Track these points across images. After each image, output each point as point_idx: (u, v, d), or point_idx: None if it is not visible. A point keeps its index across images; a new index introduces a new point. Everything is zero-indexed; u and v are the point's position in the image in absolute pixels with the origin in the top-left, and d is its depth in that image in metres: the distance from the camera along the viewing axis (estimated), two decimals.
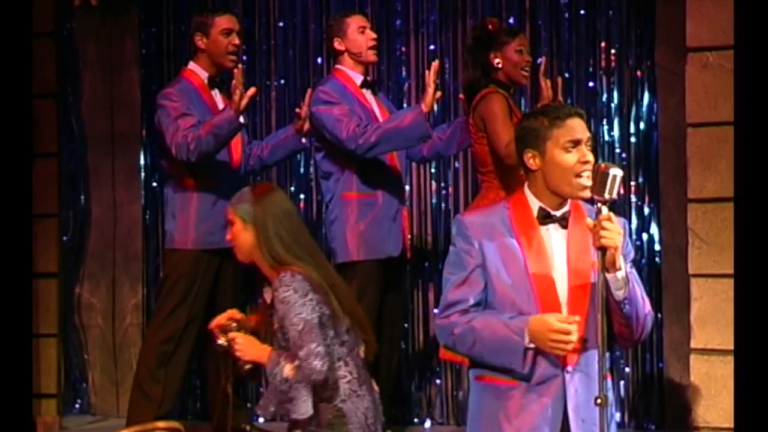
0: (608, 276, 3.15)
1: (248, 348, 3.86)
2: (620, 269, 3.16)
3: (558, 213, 3.33)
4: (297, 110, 5.37)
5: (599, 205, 3.15)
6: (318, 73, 6.08)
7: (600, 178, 3.14)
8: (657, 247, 5.69)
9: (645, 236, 5.69)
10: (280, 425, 6.05)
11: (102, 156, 6.44)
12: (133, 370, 5.68)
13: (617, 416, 5.40)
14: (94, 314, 6.45)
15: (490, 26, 5.13)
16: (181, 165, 5.20)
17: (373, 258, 5.10)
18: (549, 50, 5.79)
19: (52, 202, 6.15)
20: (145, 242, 6.38)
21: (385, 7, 6.06)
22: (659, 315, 5.53)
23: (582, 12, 5.81)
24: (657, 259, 5.68)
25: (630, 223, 5.51)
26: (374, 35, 5.28)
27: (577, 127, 3.30)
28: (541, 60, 5.26)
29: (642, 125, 5.73)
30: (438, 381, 6.00)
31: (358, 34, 5.22)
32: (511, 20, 5.86)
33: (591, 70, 5.80)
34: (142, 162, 6.38)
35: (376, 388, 3.96)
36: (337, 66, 5.28)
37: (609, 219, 3.13)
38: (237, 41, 5.36)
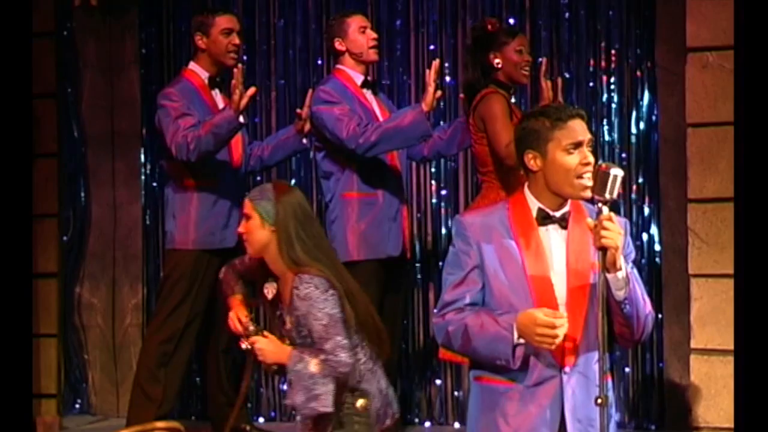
0: (609, 276, 3.15)
1: (269, 351, 3.91)
2: (621, 269, 3.16)
3: (557, 214, 3.33)
4: (298, 111, 5.37)
5: (600, 205, 3.14)
6: (318, 73, 6.08)
7: (600, 179, 3.14)
8: (657, 247, 5.69)
9: (645, 236, 5.70)
10: (279, 425, 6.08)
11: (102, 156, 6.44)
12: (133, 370, 5.68)
13: (617, 416, 5.40)
14: (94, 314, 6.45)
15: (489, 26, 5.13)
16: (182, 165, 5.20)
17: (373, 258, 5.11)
18: (549, 50, 5.79)
19: (52, 202, 6.15)
20: (145, 242, 6.38)
21: (385, 7, 6.06)
22: (659, 315, 5.53)
23: (582, 12, 5.81)
24: (657, 259, 5.68)
25: (630, 223, 5.51)
26: (375, 35, 5.28)
27: (579, 129, 3.30)
28: (542, 60, 5.26)
29: (642, 125, 5.73)
30: (438, 381, 6.00)
31: (359, 35, 5.22)
32: (511, 20, 5.86)
33: (591, 70, 5.80)
34: (142, 162, 6.38)
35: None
36: (338, 66, 5.28)
37: (610, 219, 3.12)
38: (237, 41, 5.36)
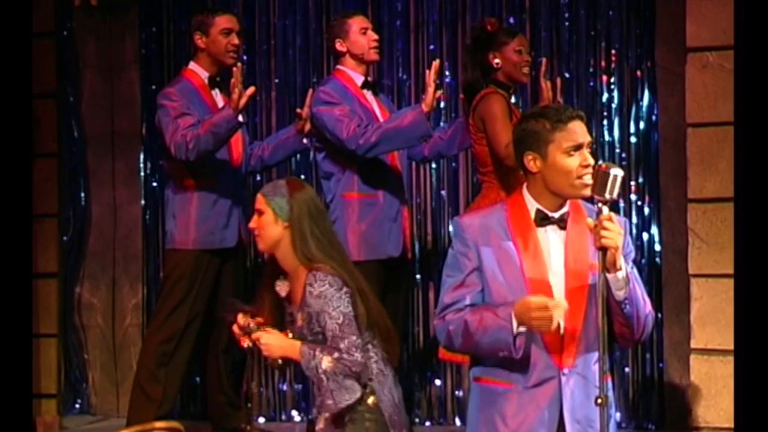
0: (609, 276, 3.15)
1: (274, 345, 3.90)
2: (621, 269, 3.16)
3: (556, 215, 3.33)
4: (298, 111, 5.37)
5: (600, 205, 3.14)
6: (318, 74, 6.08)
7: (600, 179, 3.14)
8: (657, 247, 5.69)
9: (645, 236, 5.70)
10: (279, 425, 6.08)
11: (102, 156, 6.44)
12: (133, 370, 5.68)
13: (617, 416, 5.40)
14: (94, 314, 6.45)
15: (489, 26, 5.13)
16: (182, 165, 5.21)
17: (374, 258, 5.10)
18: (549, 50, 5.79)
19: (52, 202, 6.14)
20: (145, 242, 6.38)
21: (385, 7, 6.06)
22: (659, 315, 5.53)
23: (582, 12, 5.81)
24: (657, 259, 5.68)
25: (630, 223, 5.51)
26: (376, 36, 5.27)
27: (579, 131, 3.29)
28: (542, 60, 5.26)
29: (642, 125, 5.73)
30: (438, 381, 6.00)
31: (360, 36, 5.22)
32: (511, 20, 5.86)
33: (591, 70, 5.80)
34: (142, 162, 6.38)
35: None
36: (338, 66, 5.28)
37: (610, 219, 3.12)
38: (237, 41, 5.36)
